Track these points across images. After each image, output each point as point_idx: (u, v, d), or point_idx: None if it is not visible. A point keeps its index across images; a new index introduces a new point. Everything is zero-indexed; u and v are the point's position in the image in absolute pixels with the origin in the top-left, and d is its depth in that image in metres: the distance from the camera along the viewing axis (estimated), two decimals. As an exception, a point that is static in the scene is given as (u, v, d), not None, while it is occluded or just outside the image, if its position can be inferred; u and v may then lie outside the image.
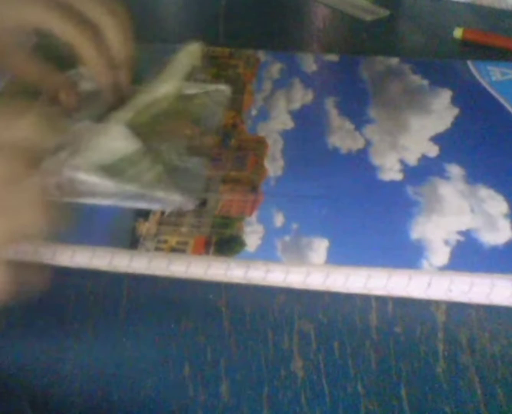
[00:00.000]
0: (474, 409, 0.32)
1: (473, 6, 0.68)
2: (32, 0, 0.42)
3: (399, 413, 0.32)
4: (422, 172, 0.44)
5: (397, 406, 0.32)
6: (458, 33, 0.62)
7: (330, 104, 0.50)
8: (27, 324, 0.36)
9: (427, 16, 0.67)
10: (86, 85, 0.48)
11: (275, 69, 0.55)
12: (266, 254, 0.38)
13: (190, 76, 0.51)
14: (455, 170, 0.44)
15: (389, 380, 0.33)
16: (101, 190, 0.40)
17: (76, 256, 0.38)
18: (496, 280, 0.36)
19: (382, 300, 0.37)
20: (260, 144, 0.46)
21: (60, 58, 0.45)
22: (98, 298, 0.38)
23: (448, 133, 0.47)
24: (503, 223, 0.40)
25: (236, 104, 0.50)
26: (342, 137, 0.47)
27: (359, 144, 0.46)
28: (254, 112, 0.50)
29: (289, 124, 0.48)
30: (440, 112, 0.49)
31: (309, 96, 0.51)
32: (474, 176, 0.43)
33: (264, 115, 0.49)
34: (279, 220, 0.40)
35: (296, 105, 0.50)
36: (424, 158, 0.45)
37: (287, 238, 0.39)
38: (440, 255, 0.38)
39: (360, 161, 0.45)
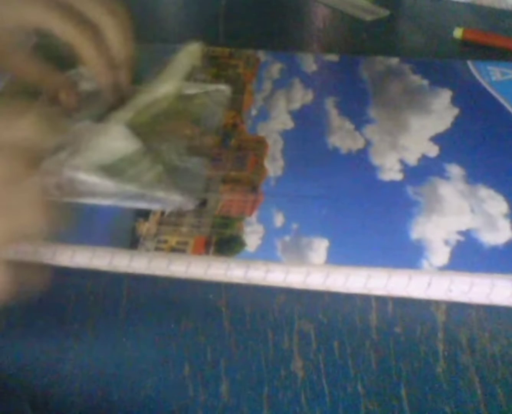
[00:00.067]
0: (474, 409, 0.32)
1: (473, 6, 0.68)
2: (32, 0, 0.42)
3: (399, 413, 0.32)
4: (422, 172, 0.44)
5: (397, 406, 0.32)
6: (458, 33, 0.62)
7: (330, 104, 0.50)
8: (27, 324, 0.36)
9: (427, 16, 0.67)
10: (86, 85, 0.48)
11: (275, 69, 0.55)
12: (266, 254, 0.38)
13: (190, 76, 0.51)
14: (455, 170, 0.44)
15: (389, 380, 0.33)
16: (101, 190, 0.40)
17: (76, 256, 0.38)
18: (496, 280, 0.36)
19: (382, 300, 0.37)
20: (260, 144, 0.46)
21: (60, 58, 0.45)
22: (98, 298, 0.38)
23: (448, 133, 0.47)
24: (503, 223, 0.40)
25: (236, 104, 0.50)
26: (342, 137, 0.47)
27: (359, 144, 0.46)
28: (254, 112, 0.50)
29: (289, 124, 0.48)
30: (440, 112, 0.49)
31: (309, 96, 0.51)
32: (474, 176, 0.43)
33: (264, 115, 0.49)
34: (279, 220, 0.40)
35: (296, 105, 0.50)
36: (424, 158, 0.45)
37: (287, 238, 0.39)
38: (440, 255, 0.38)
39: (360, 161, 0.45)
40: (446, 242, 0.39)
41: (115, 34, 0.44)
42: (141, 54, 0.46)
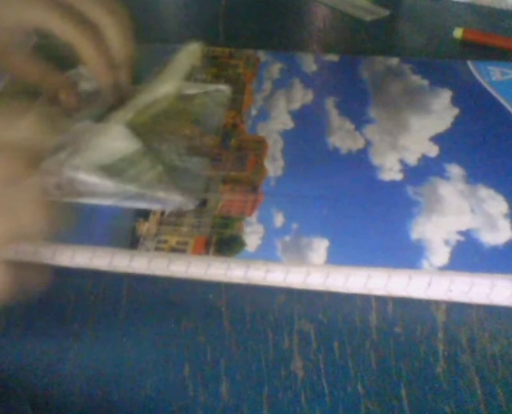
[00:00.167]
0: (474, 409, 0.32)
1: (473, 6, 0.68)
2: (32, 0, 0.42)
3: (399, 413, 0.32)
4: (422, 172, 0.44)
5: (397, 406, 0.32)
6: (458, 33, 0.62)
7: (330, 104, 0.50)
8: (27, 324, 0.36)
9: (427, 16, 0.67)
10: (86, 85, 0.48)
11: (275, 69, 0.55)
12: (266, 254, 0.38)
13: (190, 76, 0.51)
14: (455, 170, 0.44)
15: (389, 380, 0.33)
16: (101, 190, 0.40)
17: (76, 256, 0.38)
18: (496, 280, 0.36)
19: (382, 300, 0.37)
20: (260, 144, 0.46)
21: (60, 58, 0.45)
22: (98, 298, 0.38)
23: (448, 133, 0.47)
24: (503, 223, 0.40)
25: (236, 104, 0.50)
26: (342, 137, 0.47)
27: (359, 144, 0.46)
28: (254, 112, 0.50)
29: (289, 124, 0.48)
30: (440, 112, 0.49)
31: (309, 96, 0.51)
32: (474, 176, 0.43)
33: (264, 115, 0.49)
34: (279, 220, 0.40)
35: (296, 105, 0.50)
36: (424, 158, 0.45)
37: (287, 238, 0.39)
38: (440, 255, 0.38)
39: (360, 161, 0.45)
40: (446, 242, 0.39)
41: (115, 34, 0.44)
42: (141, 54, 0.46)
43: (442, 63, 0.56)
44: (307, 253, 0.38)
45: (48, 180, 0.38)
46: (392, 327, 0.36)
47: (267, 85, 0.53)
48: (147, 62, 0.49)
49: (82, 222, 0.39)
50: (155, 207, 0.41)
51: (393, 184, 0.43)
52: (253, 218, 0.40)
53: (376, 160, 0.45)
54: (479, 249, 0.38)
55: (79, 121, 0.44)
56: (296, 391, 0.33)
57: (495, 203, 0.41)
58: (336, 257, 0.38)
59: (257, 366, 0.34)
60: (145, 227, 0.40)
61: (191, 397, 0.33)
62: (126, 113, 0.45)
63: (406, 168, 0.44)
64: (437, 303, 0.37)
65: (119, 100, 0.46)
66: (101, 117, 0.45)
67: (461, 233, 0.39)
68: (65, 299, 0.37)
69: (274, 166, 0.44)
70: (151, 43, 0.56)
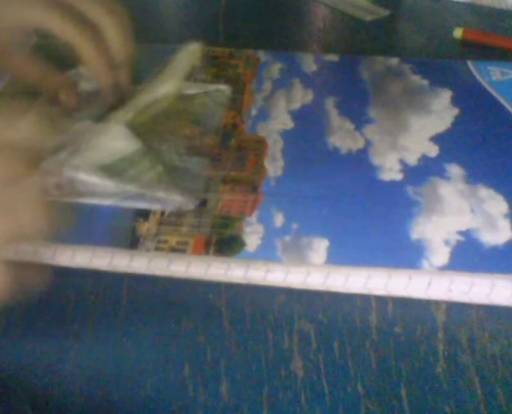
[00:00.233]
0: (474, 409, 0.32)
1: (473, 6, 0.68)
2: (32, 0, 0.42)
3: (399, 413, 0.32)
4: (422, 172, 0.44)
5: (397, 406, 0.32)
6: (458, 33, 0.62)
7: (330, 104, 0.50)
8: (27, 324, 0.36)
9: (427, 16, 0.67)
10: (86, 85, 0.48)
11: (275, 69, 0.55)
12: (266, 254, 0.38)
13: (190, 76, 0.51)
14: (455, 170, 0.44)
15: (389, 380, 0.33)
16: (101, 190, 0.40)
17: (76, 256, 0.38)
18: (496, 280, 0.36)
19: (382, 300, 0.37)
20: (260, 144, 0.46)
21: (60, 58, 0.45)
22: (98, 298, 0.38)
23: (448, 133, 0.47)
24: (503, 223, 0.40)
25: (236, 104, 0.50)
26: (342, 137, 0.47)
27: (359, 144, 0.46)
28: (254, 112, 0.50)
29: (289, 124, 0.48)
30: (440, 112, 0.49)
31: (309, 96, 0.51)
32: (474, 176, 0.43)
33: (264, 115, 0.49)
34: (279, 220, 0.40)
35: (296, 105, 0.50)
36: (424, 158, 0.45)
37: (287, 238, 0.39)
38: (440, 255, 0.38)
39: (360, 161, 0.45)
40: (446, 242, 0.39)
41: (115, 34, 0.44)
42: (141, 54, 0.46)
43: (442, 63, 0.56)
44: (307, 253, 0.38)
45: (48, 180, 0.38)
46: (392, 327, 0.36)
47: (267, 85, 0.53)
48: (147, 62, 0.49)
49: (82, 222, 0.39)
50: (155, 207, 0.41)
51: (393, 184, 0.43)
52: (253, 218, 0.40)
53: (376, 160, 0.45)
54: (479, 249, 0.38)
55: (79, 121, 0.44)
56: (296, 391, 0.33)
57: (495, 203, 0.41)
58: (336, 257, 0.38)
59: (257, 366, 0.34)
60: (145, 227, 0.40)
61: (191, 397, 0.33)
62: (126, 113, 0.45)
63: (406, 168, 0.44)
64: (437, 303, 0.37)
65: (119, 100, 0.46)
66: (101, 117, 0.45)
67: (461, 233, 0.39)
68: (65, 299, 0.37)
69: (274, 166, 0.44)
70: (151, 43, 0.56)
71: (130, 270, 0.38)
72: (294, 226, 0.40)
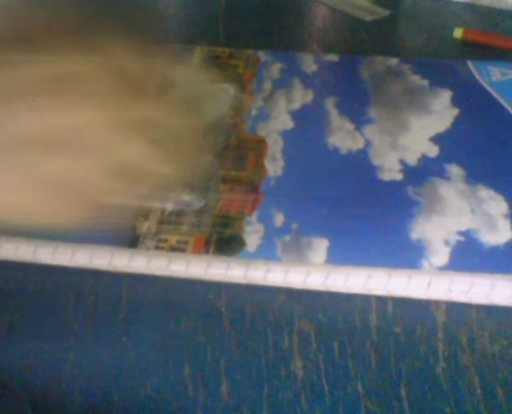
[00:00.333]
0: (474, 409, 0.32)
1: (473, 6, 0.68)
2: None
3: (399, 413, 0.32)
4: (422, 172, 0.44)
5: (397, 406, 0.32)
6: (458, 33, 0.62)
7: (330, 104, 0.50)
8: (27, 324, 0.36)
9: (427, 16, 0.67)
10: None
11: (275, 69, 0.55)
12: (266, 254, 0.38)
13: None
14: (455, 170, 0.44)
15: (389, 380, 0.33)
16: None
17: (76, 255, 0.38)
18: (496, 280, 0.36)
19: (382, 300, 0.37)
20: (260, 144, 0.46)
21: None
22: (98, 298, 0.38)
23: (448, 133, 0.47)
24: (503, 223, 0.40)
25: (236, 103, 0.50)
26: (342, 137, 0.47)
27: (359, 144, 0.46)
28: (254, 112, 0.50)
29: (289, 124, 0.48)
30: (440, 112, 0.49)
31: (309, 96, 0.51)
32: (474, 176, 0.43)
33: (264, 115, 0.49)
34: (279, 220, 0.40)
35: (296, 105, 0.50)
36: (424, 158, 0.45)
37: (287, 238, 0.39)
38: (440, 255, 0.38)
39: (360, 161, 0.45)
40: (446, 242, 0.39)
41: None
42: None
43: (442, 63, 0.56)
44: (307, 253, 0.38)
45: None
46: (392, 327, 0.36)
47: (267, 85, 0.53)
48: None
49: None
50: (168, 206, 0.40)
51: (393, 184, 0.43)
52: (253, 217, 0.40)
53: (376, 160, 0.45)
54: (479, 249, 0.38)
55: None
56: (296, 391, 0.33)
57: (495, 203, 0.41)
58: (336, 257, 0.38)
59: (257, 366, 0.34)
60: (145, 226, 0.40)
61: (191, 397, 0.33)
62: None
63: (406, 168, 0.44)
64: (437, 303, 0.37)
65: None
66: None
67: (461, 233, 0.39)
68: (65, 299, 0.37)
69: (274, 166, 0.44)
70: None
71: (130, 269, 0.38)
72: (294, 226, 0.40)
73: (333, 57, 0.57)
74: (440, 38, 0.63)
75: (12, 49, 0.25)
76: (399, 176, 0.43)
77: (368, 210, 0.41)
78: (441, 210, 0.41)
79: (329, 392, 0.33)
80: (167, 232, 0.39)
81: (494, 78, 0.53)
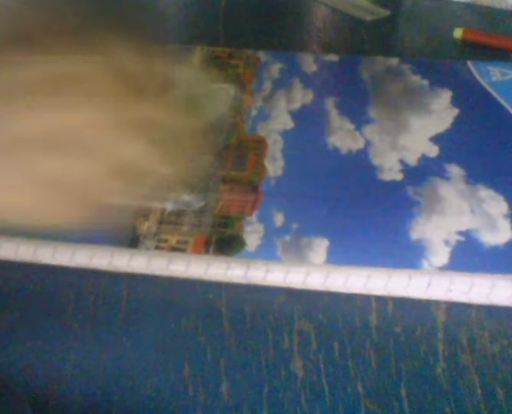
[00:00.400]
0: (474, 409, 0.32)
1: (473, 6, 0.68)
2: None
3: (399, 413, 0.32)
4: (422, 172, 0.44)
5: (397, 406, 0.32)
6: (458, 33, 0.62)
7: (330, 104, 0.50)
8: (27, 324, 0.36)
9: (427, 16, 0.67)
10: None
11: (275, 69, 0.55)
12: (266, 254, 0.38)
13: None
14: (455, 170, 0.44)
15: (389, 380, 0.33)
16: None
17: (76, 255, 0.38)
18: (496, 280, 0.36)
19: (382, 300, 0.37)
20: (260, 144, 0.46)
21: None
22: (98, 298, 0.38)
23: (448, 133, 0.47)
24: (503, 223, 0.40)
25: (236, 103, 0.50)
26: (342, 137, 0.47)
27: (359, 144, 0.46)
28: (254, 112, 0.50)
29: (289, 124, 0.48)
30: (440, 112, 0.49)
31: (309, 96, 0.51)
32: (474, 176, 0.43)
33: (264, 115, 0.49)
34: (279, 220, 0.40)
35: (296, 105, 0.50)
36: (424, 158, 0.45)
37: (287, 238, 0.39)
38: (440, 255, 0.38)
39: (360, 161, 0.45)
40: (446, 242, 0.39)
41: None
42: None
43: (442, 63, 0.56)
44: (307, 253, 0.38)
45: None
46: (392, 327, 0.36)
47: (267, 85, 0.53)
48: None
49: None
50: (168, 207, 0.40)
51: (393, 184, 0.43)
52: (253, 217, 0.40)
53: (376, 160, 0.45)
54: (479, 249, 0.38)
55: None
56: (296, 391, 0.33)
57: (495, 204, 0.41)
58: (336, 257, 0.38)
59: (257, 366, 0.34)
60: (145, 226, 0.40)
61: (191, 397, 0.33)
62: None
63: (406, 168, 0.44)
64: (437, 303, 0.37)
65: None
66: None
67: (461, 233, 0.39)
68: (65, 299, 0.37)
69: (274, 166, 0.44)
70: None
71: (130, 269, 0.38)
72: (294, 226, 0.40)
73: (333, 57, 0.57)
74: (440, 38, 0.63)
75: (12, 49, 0.25)
76: (399, 176, 0.43)
77: (368, 210, 0.41)
78: (441, 210, 0.41)
79: (329, 392, 0.33)
80: (167, 232, 0.39)
81: (494, 78, 0.53)
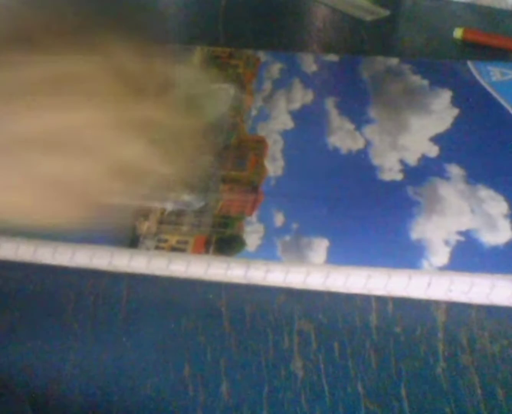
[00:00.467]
0: (474, 409, 0.32)
1: (473, 6, 0.68)
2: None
3: (399, 413, 0.32)
4: (422, 172, 0.44)
5: (397, 406, 0.32)
6: (458, 33, 0.62)
7: (330, 104, 0.50)
8: (27, 324, 0.36)
9: (427, 16, 0.67)
10: None
11: (275, 69, 0.55)
12: (266, 254, 0.38)
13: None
14: (455, 170, 0.44)
15: (389, 380, 0.33)
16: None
17: (76, 255, 0.38)
18: (496, 280, 0.36)
19: (382, 300, 0.37)
20: (260, 144, 0.46)
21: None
22: (98, 298, 0.38)
23: (448, 133, 0.47)
24: (503, 223, 0.40)
25: (236, 103, 0.50)
26: (342, 137, 0.47)
27: (359, 144, 0.46)
28: (254, 112, 0.50)
29: (289, 124, 0.48)
30: (440, 112, 0.49)
31: (309, 96, 0.51)
32: (474, 176, 0.43)
33: (264, 115, 0.49)
34: (279, 220, 0.40)
35: (296, 105, 0.50)
36: (424, 158, 0.45)
37: (287, 238, 0.39)
38: (440, 255, 0.38)
39: (360, 161, 0.45)
40: (446, 242, 0.39)
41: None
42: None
43: (442, 63, 0.56)
44: (307, 253, 0.38)
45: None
46: (392, 327, 0.36)
47: (267, 85, 0.53)
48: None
49: None
50: (168, 207, 0.40)
51: (393, 184, 0.43)
52: (253, 217, 0.40)
53: (376, 160, 0.45)
54: (479, 249, 0.38)
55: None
56: (296, 391, 0.33)
57: (495, 203, 0.41)
58: (336, 257, 0.38)
59: (257, 366, 0.34)
60: (145, 226, 0.40)
61: (191, 397, 0.33)
62: None
63: (406, 168, 0.44)
64: (437, 303, 0.37)
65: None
66: None
67: (461, 233, 0.39)
68: (65, 299, 0.37)
69: (274, 166, 0.44)
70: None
71: (129, 269, 0.38)
72: (294, 226, 0.40)
73: (333, 57, 0.57)
74: (440, 38, 0.63)
75: (12, 49, 0.25)
76: (399, 176, 0.43)
77: (368, 210, 0.41)
78: (441, 210, 0.41)
79: (329, 392, 0.33)
80: (167, 232, 0.39)
81: (494, 78, 0.53)
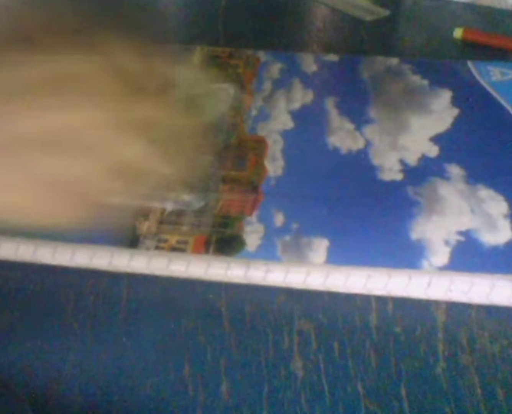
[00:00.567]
0: (474, 409, 0.32)
1: (473, 6, 0.68)
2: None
3: (399, 413, 0.32)
4: (422, 172, 0.44)
5: (397, 406, 0.32)
6: (458, 33, 0.62)
7: (330, 104, 0.50)
8: (27, 324, 0.36)
9: (427, 16, 0.67)
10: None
11: (275, 69, 0.55)
12: (266, 253, 0.38)
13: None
14: (455, 170, 0.44)
15: (389, 380, 0.33)
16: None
17: (76, 255, 0.38)
18: (496, 280, 0.36)
19: (382, 300, 0.37)
20: (260, 144, 0.46)
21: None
22: (98, 298, 0.38)
23: (448, 133, 0.47)
24: (503, 223, 0.40)
25: (236, 103, 0.50)
26: (342, 137, 0.47)
27: (359, 144, 0.46)
28: (254, 112, 0.50)
29: (289, 124, 0.48)
30: (440, 112, 0.49)
31: (309, 96, 0.51)
32: (474, 176, 0.43)
33: (264, 115, 0.49)
34: (279, 220, 0.40)
35: (296, 105, 0.50)
36: (424, 158, 0.45)
37: (287, 238, 0.39)
38: (440, 255, 0.38)
39: (360, 161, 0.45)
40: (446, 242, 0.39)
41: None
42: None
43: (442, 63, 0.56)
44: (307, 253, 0.38)
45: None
46: (392, 327, 0.36)
47: (267, 85, 0.53)
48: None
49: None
50: (168, 206, 0.40)
51: (393, 184, 0.43)
52: (253, 217, 0.40)
53: (376, 160, 0.45)
54: (479, 249, 0.38)
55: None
56: (296, 391, 0.33)
57: (495, 203, 0.41)
58: (336, 257, 0.38)
59: (257, 366, 0.34)
60: (145, 226, 0.40)
61: (191, 397, 0.33)
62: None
63: (406, 168, 0.44)
64: (437, 303, 0.37)
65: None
66: None
67: (461, 233, 0.39)
68: (65, 299, 0.37)
69: (274, 166, 0.44)
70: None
71: (129, 269, 0.38)
72: (294, 226, 0.40)
73: (333, 57, 0.57)
74: (440, 38, 0.63)
75: (12, 49, 0.25)
76: (399, 176, 0.43)
77: (368, 210, 0.41)
78: (441, 210, 0.41)
79: (329, 392, 0.33)
80: (167, 232, 0.39)
81: (494, 78, 0.53)
